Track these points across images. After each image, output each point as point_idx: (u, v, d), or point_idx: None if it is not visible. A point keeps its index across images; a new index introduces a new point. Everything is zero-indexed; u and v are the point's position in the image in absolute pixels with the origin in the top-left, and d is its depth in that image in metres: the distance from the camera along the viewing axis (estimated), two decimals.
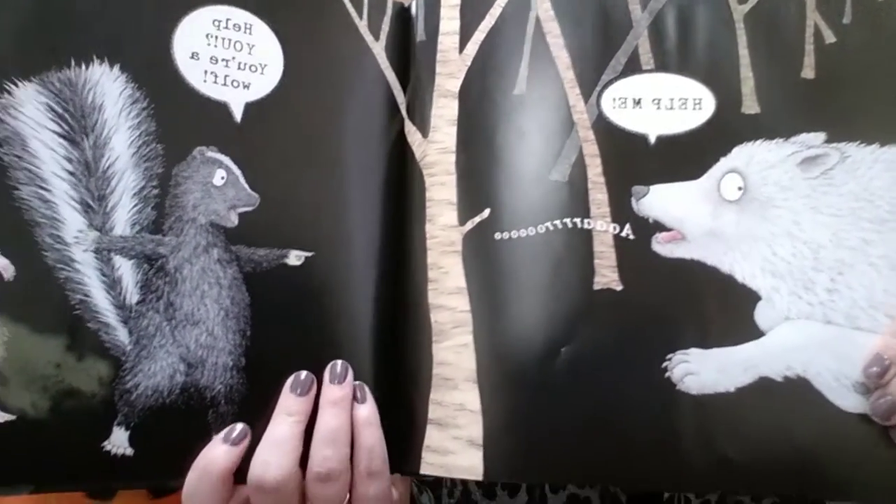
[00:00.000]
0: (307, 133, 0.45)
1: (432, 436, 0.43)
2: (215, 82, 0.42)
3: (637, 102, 0.45)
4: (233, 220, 0.42)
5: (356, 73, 0.47)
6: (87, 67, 0.39)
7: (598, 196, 0.44)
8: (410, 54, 0.48)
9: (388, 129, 0.47)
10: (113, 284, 0.39)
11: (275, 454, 0.38)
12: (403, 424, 0.43)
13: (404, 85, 0.48)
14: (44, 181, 0.38)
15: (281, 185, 0.43)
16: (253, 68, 0.43)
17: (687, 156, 0.44)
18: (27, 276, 0.37)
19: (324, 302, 0.44)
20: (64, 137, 0.38)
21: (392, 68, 0.47)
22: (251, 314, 0.42)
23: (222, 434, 0.38)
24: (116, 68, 0.39)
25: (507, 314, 0.43)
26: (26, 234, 0.37)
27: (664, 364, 0.41)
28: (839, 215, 0.42)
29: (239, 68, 0.42)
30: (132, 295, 0.39)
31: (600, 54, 0.46)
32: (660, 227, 0.43)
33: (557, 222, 0.44)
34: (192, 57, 0.41)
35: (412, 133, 0.47)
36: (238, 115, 0.42)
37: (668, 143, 0.44)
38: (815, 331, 0.41)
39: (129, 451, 0.38)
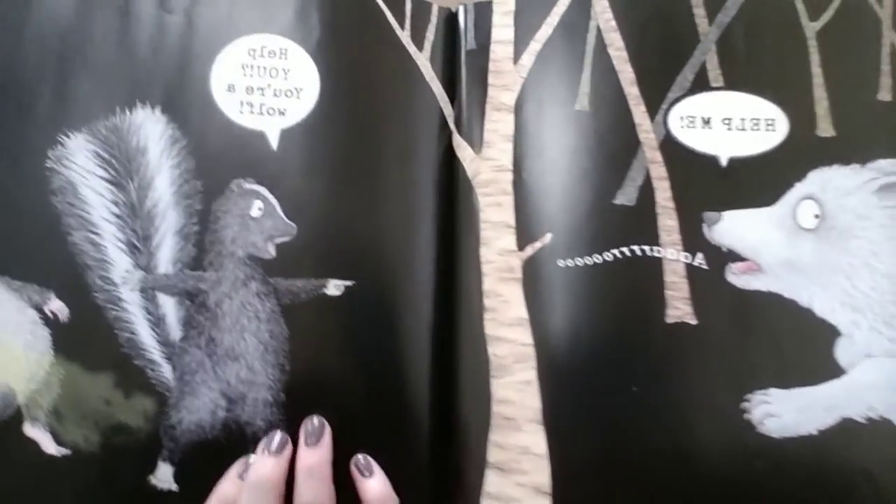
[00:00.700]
0: (347, 154, 0.41)
1: (492, 481, 0.39)
2: (252, 112, 0.41)
3: (706, 122, 0.42)
4: (270, 251, 0.40)
5: (399, 86, 0.43)
6: (131, 112, 0.40)
7: (668, 222, 0.41)
8: (458, 64, 0.44)
9: (435, 143, 0.43)
10: (158, 322, 0.39)
11: None
12: (459, 468, 0.39)
13: (451, 96, 0.44)
14: (94, 225, 0.39)
15: (319, 212, 0.40)
16: (288, 93, 0.41)
17: (760, 180, 0.41)
18: (80, 317, 0.38)
19: (366, 334, 0.40)
20: (111, 182, 0.40)
21: (438, 79, 0.44)
22: (290, 348, 0.40)
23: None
24: (158, 110, 0.40)
25: (573, 349, 0.40)
26: (79, 277, 0.39)
27: (743, 404, 0.39)
28: None
29: (275, 95, 0.41)
30: (175, 332, 0.39)
31: (666, 69, 0.43)
32: (734, 256, 0.40)
33: (625, 249, 0.41)
34: (228, 90, 0.41)
35: (462, 148, 0.43)
36: (274, 143, 0.41)
37: (741, 166, 0.41)
38: None
39: (175, 487, 0.38)
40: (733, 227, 0.41)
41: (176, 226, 0.40)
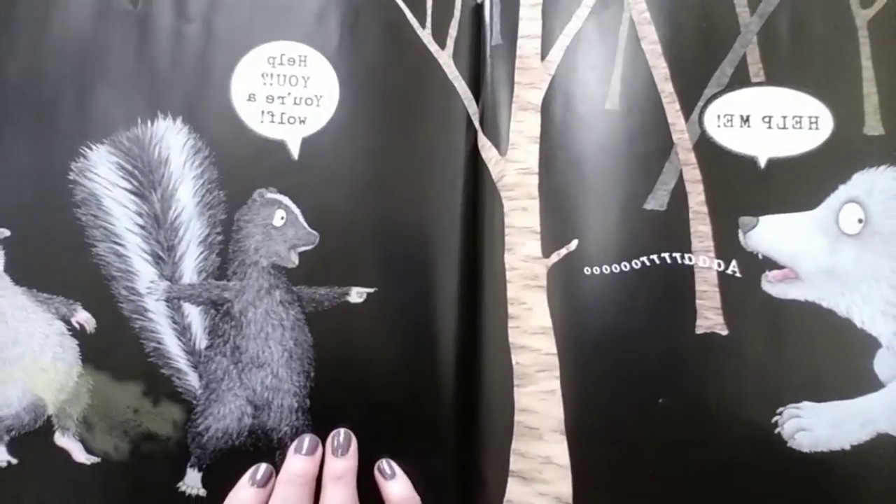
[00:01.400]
0: (368, 161, 0.41)
1: (514, 490, 0.39)
2: (272, 121, 0.41)
3: (745, 120, 0.40)
4: (293, 260, 0.40)
5: (421, 88, 0.42)
6: (153, 124, 0.40)
7: (701, 228, 0.39)
8: (483, 59, 0.43)
9: (460, 145, 0.42)
10: (183, 331, 0.39)
11: None
12: (481, 476, 0.40)
13: (476, 94, 0.43)
14: (118, 237, 0.39)
15: (341, 220, 0.40)
16: (308, 101, 0.41)
17: (801, 182, 0.39)
18: (106, 328, 0.39)
19: (390, 341, 0.40)
20: (134, 193, 0.40)
21: (462, 77, 0.42)
22: (314, 355, 0.40)
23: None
24: (179, 121, 0.40)
25: (597, 359, 0.39)
26: (104, 289, 0.39)
27: (774, 418, 0.38)
28: None
29: (295, 103, 0.41)
30: (201, 340, 0.40)
31: (703, 64, 0.41)
32: (770, 263, 0.39)
33: (654, 257, 0.39)
34: (249, 99, 0.41)
35: (487, 149, 0.42)
36: (295, 152, 0.41)
37: (781, 168, 0.39)
38: None
39: (203, 492, 0.39)
40: (770, 233, 0.39)
41: (199, 236, 0.40)
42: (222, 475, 0.38)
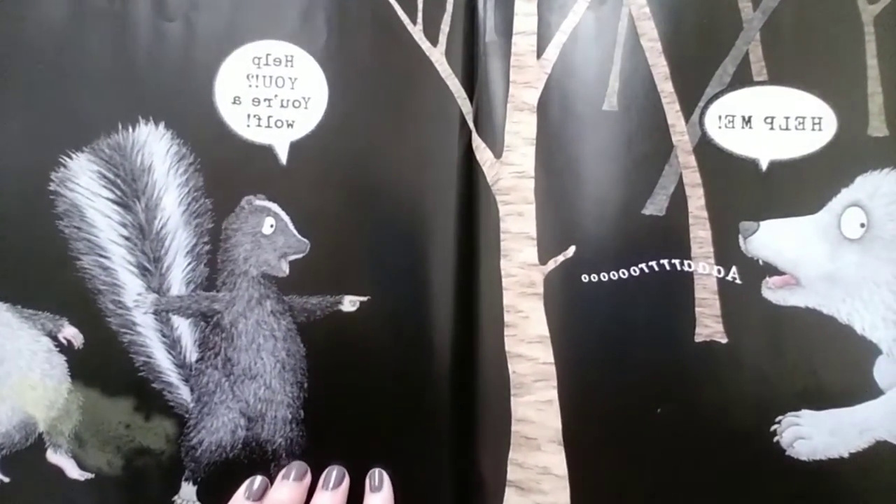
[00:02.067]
0: (359, 165, 0.40)
1: (512, 500, 0.39)
2: (259, 125, 0.39)
3: (747, 121, 0.39)
4: (284, 269, 0.39)
5: (413, 87, 0.40)
6: (134, 129, 0.39)
7: (701, 233, 0.39)
8: (476, 56, 0.41)
9: (453, 146, 0.41)
10: (173, 344, 0.39)
11: None
12: (479, 486, 0.39)
13: (470, 92, 0.41)
14: (102, 249, 0.38)
15: (332, 227, 0.39)
16: (296, 104, 0.39)
17: (803, 185, 0.38)
18: (95, 343, 0.38)
19: (384, 350, 0.39)
20: (118, 203, 0.39)
21: (455, 75, 0.41)
22: (308, 365, 0.39)
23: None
24: (162, 126, 0.39)
25: (596, 368, 0.38)
26: (91, 303, 0.38)
27: (773, 427, 0.37)
28: None
29: (282, 106, 0.39)
30: (191, 353, 0.39)
31: (705, 62, 0.40)
32: (770, 270, 0.38)
33: (653, 263, 0.38)
34: (234, 102, 0.39)
35: (482, 150, 0.41)
36: (283, 157, 0.39)
37: (783, 170, 0.39)
38: None
39: None
40: (771, 238, 0.38)
41: (187, 246, 0.39)
42: (217, 488, 0.38)
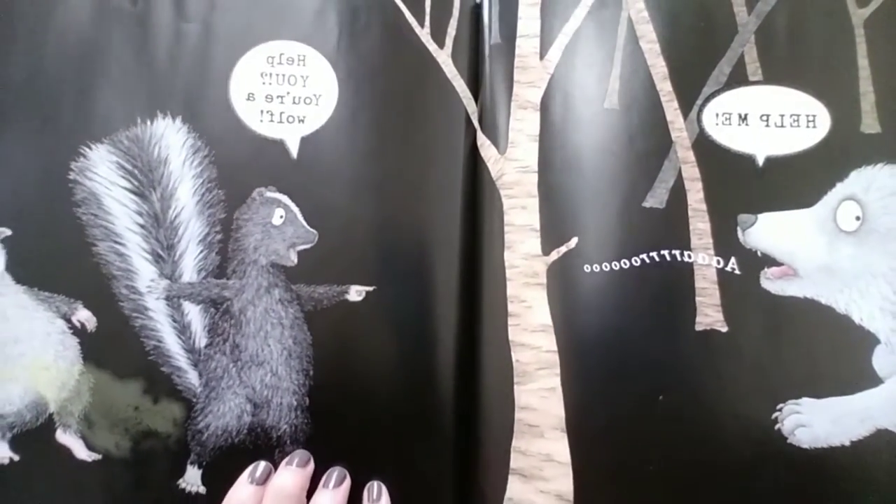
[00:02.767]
0: (367, 160, 0.41)
1: (514, 488, 0.39)
2: (271, 120, 0.41)
3: (743, 118, 0.40)
4: (292, 258, 0.40)
5: (419, 86, 0.42)
6: (152, 123, 0.40)
7: (700, 225, 0.40)
8: (481, 58, 0.43)
9: (459, 143, 0.42)
10: (183, 329, 0.39)
11: None
12: (481, 474, 0.40)
13: (475, 92, 0.43)
14: (118, 236, 0.40)
15: (341, 219, 0.40)
16: (307, 100, 0.41)
17: (799, 180, 0.39)
18: (107, 326, 0.39)
19: (389, 339, 0.40)
20: (134, 193, 0.40)
21: (461, 76, 0.42)
22: (313, 353, 0.40)
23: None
24: (179, 120, 0.41)
25: (598, 356, 0.39)
26: (105, 287, 0.39)
27: (774, 415, 0.38)
28: None
29: (294, 102, 0.41)
30: (201, 339, 0.40)
31: (702, 63, 0.41)
32: (768, 261, 0.39)
33: (654, 254, 0.39)
34: (248, 98, 0.41)
35: (486, 147, 0.42)
36: (294, 151, 0.41)
37: (779, 166, 0.40)
38: None
39: (202, 489, 0.39)
40: (769, 231, 0.39)
41: (199, 234, 0.40)
42: (222, 472, 0.38)
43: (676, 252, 0.39)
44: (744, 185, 0.40)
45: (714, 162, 0.40)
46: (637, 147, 0.40)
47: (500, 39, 0.43)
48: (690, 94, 0.41)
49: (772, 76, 0.40)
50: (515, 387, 0.40)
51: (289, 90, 0.42)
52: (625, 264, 0.39)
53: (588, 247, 0.40)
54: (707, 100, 0.40)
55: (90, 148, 0.40)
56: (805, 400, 0.38)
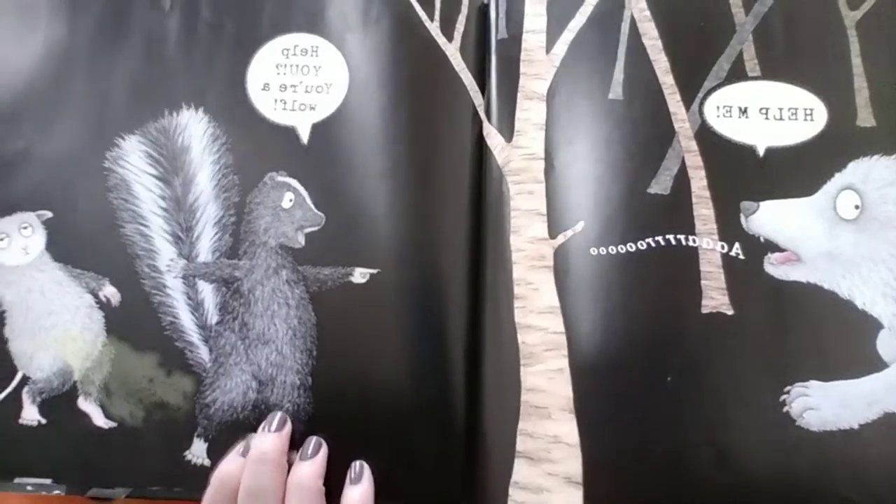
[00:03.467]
0: (375, 146, 0.42)
1: (521, 471, 0.38)
2: (284, 109, 0.43)
3: (743, 111, 0.41)
4: (300, 241, 0.41)
5: (428, 78, 0.43)
6: (177, 114, 0.43)
7: (704, 211, 0.40)
8: (489, 52, 0.44)
9: (465, 134, 0.43)
10: (197, 307, 0.41)
11: None
12: (487, 456, 0.39)
13: (482, 85, 0.44)
14: (143, 218, 0.42)
15: (348, 203, 0.41)
16: (319, 89, 0.43)
17: (799, 170, 0.40)
18: (129, 302, 0.41)
19: (392, 321, 0.40)
20: (159, 179, 0.43)
21: (469, 69, 0.44)
22: (318, 334, 0.40)
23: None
24: (201, 111, 0.43)
25: (605, 338, 0.39)
26: (129, 266, 0.42)
27: (782, 397, 0.38)
28: None
29: (306, 91, 0.43)
30: (212, 316, 0.41)
31: (702, 59, 0.43)
32: (771, 246, 0.40)
33: (659, 238, 0.40)
34: (263, 89, 0.43)
35: (492, 136, 0.43)
36: (305, 137, 0.42)
37: (779, 156, 0.41)
38: None
39: (207, 462, 0.40)
40: (771, 218, 0.40)
41: (215, 217, 0.42)
42: (226, 447, 0.39)
43: (681, 237, 0.40)
44: (746, 174, 0.41)
45: (716, 151, 0.41)
46: (641, 136, 0.41)
47: (506, 35, 0.44)
48: (692, 88, 0.42)
49: (769, 72, 0.42)
50: (522, 368, 0.39)
51: (302, 80, 0.43)
52: (631, 248, 0.40)
53: (594, 231, 0.40)
54: (708, 93, 0.42)
55: (123, 139, 0.43)
56: (813, 383, 0.38)
